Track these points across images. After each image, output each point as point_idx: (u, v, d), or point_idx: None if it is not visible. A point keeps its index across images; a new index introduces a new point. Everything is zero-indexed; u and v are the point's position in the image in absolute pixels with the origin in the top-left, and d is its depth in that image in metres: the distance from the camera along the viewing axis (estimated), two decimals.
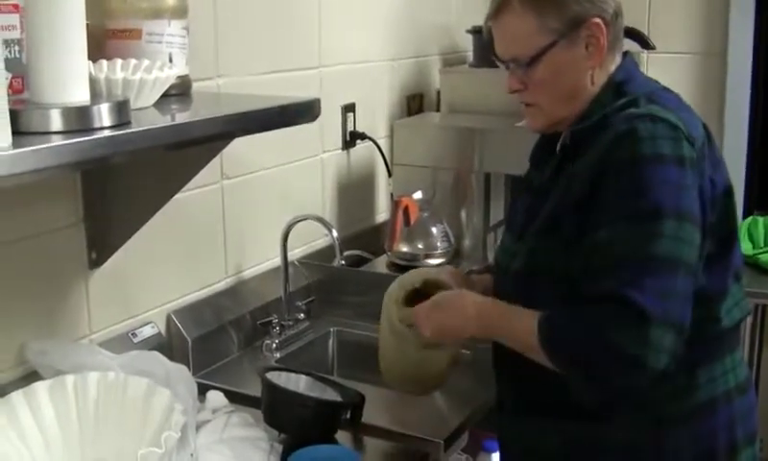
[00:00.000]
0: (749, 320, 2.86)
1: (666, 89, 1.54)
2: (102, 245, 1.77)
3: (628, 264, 1.34)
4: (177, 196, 1.74)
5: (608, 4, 1.49)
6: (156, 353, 1.66)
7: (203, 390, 1.72)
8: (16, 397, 1.44)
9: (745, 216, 2.99)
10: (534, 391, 1.54)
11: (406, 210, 2.50)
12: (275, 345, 2.14)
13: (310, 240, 2.45)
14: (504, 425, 1.65)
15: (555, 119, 1.54)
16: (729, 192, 1.49)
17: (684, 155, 1.38)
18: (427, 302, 1.60)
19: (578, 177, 1.44)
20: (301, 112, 1.67)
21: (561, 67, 1.49)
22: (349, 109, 2.60)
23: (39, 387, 1.46)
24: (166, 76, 1.47)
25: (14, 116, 1.13)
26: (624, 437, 1.48)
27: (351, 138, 2.62)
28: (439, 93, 2.96)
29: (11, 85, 1.26)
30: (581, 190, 1.42)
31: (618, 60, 1.53)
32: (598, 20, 1.46)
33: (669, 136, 1.38)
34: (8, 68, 1.23)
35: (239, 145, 1.77)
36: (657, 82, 1.56)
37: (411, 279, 1.72)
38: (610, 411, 1.47)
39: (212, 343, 2.04)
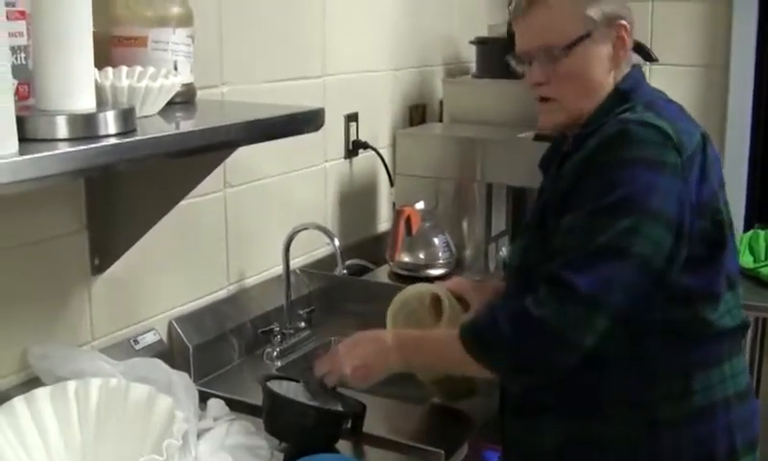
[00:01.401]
0: (749, 332, 2.85)
1: (669, 100, 1.56)
2: (105, 251, 1.77)
3: (572, 251, 1.39)
4: (180, 204, 1.74)
5: (630, 13, 1.55)
6: (158, 361, 1.66)
7: (204, 398, 1.72)
8: (18, 402, 1.44)
9: (746, 229, 2.99)
10: (533, 391, 1.55)
11: (408, 220, 2.50)
12: (276, 353, 2.14)
13: (312, 249, 2.45)
14: (505, 426, 1.67)
15: (574, 115, 1.56)
16: (718, 203, 1.51)
17: (666, 160, 1.41)
18: (346, 340, 1.66)
19: (565, 175, 1.48)
20: (306, 122, 1.67)
21: (591, 60, 1.52)
22: (352, 118, 2.61)
23: (41, 393, 1.47)
24: (171, 84, 1.47)
25: (21, 123, 1.13)
26: (621, 437, 1.49)
27: (354, 148, 2.62)
28: (442, 103, 2.96)
29: (17, 92, 1.26)
30: (565, 187, 1.46)
31: (628, 69, 1.57)
32: (626, 23, 1.52)
33: (657, 142, 1.41)
34: (14, 75, 1.23)
35: (242, 153, 1.78)
36: (661, 92, 1.59)
37: (409, 297, 1.75)
38: (606, 410, 1.49)
39: (213, 351, 2.04)
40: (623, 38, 1.52)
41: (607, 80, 1.53)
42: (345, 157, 2.61)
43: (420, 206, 2.56)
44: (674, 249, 1.41)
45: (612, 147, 1.42)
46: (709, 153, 1.50)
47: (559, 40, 1.50)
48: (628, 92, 1.53)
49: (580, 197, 1.42)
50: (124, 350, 1.81)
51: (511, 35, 1.60)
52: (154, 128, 1.38)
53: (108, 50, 1.60)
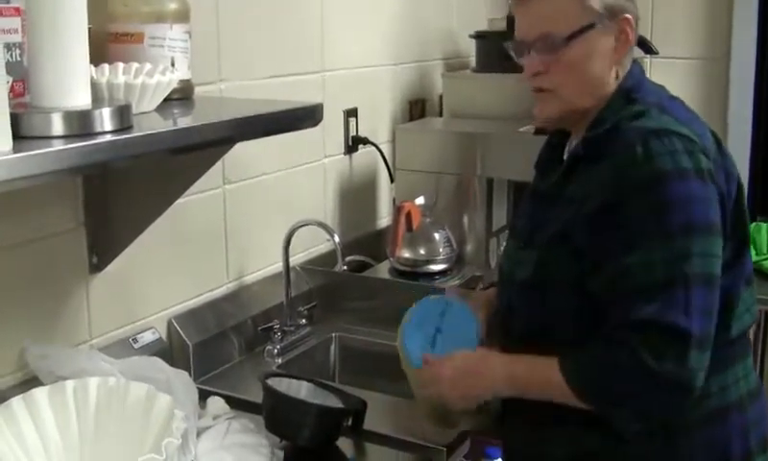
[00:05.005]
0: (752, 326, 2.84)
1: (673, 98, 1.53)
2: (103, 249, 1.76)
3: (661, 288, 1.34)
4: (178, 201, 1.74)
5: (635, 7, 1.51)
6: (157, 359, 1.66)
7: (203, 396, 1.71)
8: (16, 402, 1.43)
9: None
10: (542, 402, 1.51)
11: (408, 216, 2.49)
12: (276, 350, 2.13)
13: (312, 245, 2.44)
14: (508, 434, 1.63)
15: (568, 108, 1.51)
16: (740, 198, 1.49)
17: (702, 167, 1.37)
18: (450, 366, 1.54)
19: (592, 190, 1.42)
20: (304, 117, 1.66)
21: (592, 52, 1.47)
22: (352, 113, 2.59)
23: (39, 393, 1.46)
24: (168, 80, 1.46)
25: (15, 120, 1.12)
26: (637, 447, 1.45)
27: (354, 143, 2.61)
28: (441, 98, 2.95)
29: (12, 89, 1.25)
30: (595, 205, 1.40)
31: (629, 65, 1.53)
32: (630, 17, 1.48)
33: (686, 150, 1.37)
34: (9, 72, 1.22)
35: (241, 150, 1.77)
36: (663, 88, 1.56)
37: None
38: None
39: (213, 348, 2.03)
40: (626, 33, 1.47)
41: (608, 75, 1.49)
42: (344, 153, 2.60)
43: (420, 201, 2.55)
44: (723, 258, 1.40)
45: (644, 163, 1.37)
46: (724, 149, 1.48)
47: (560, 30, 1.45)
48: (631, 90, 1.49)
49: (635, 222, 1.36)
50: (123, 348, 1.80)
51: (511, 22, 1.57)
52: (150, 124, 1.37)
53: (105, 46, 1.59)
